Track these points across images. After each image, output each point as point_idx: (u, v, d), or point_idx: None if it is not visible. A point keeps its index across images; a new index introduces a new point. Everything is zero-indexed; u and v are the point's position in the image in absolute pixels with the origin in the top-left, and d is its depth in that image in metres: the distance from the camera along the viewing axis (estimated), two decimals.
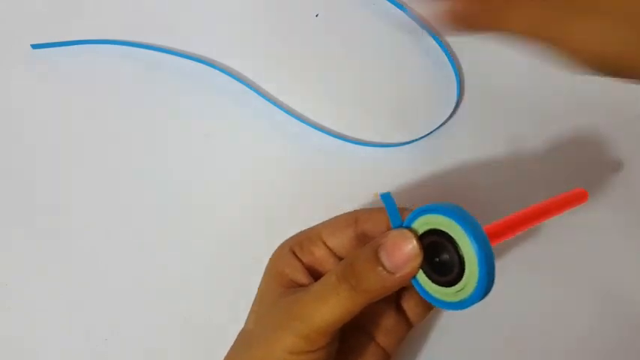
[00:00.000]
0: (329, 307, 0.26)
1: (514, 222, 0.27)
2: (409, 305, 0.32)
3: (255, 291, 0.32)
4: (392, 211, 0.27)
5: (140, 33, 0.42)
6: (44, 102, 0.41)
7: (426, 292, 0.27)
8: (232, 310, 0.33)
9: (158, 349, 0.39)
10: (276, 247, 0.33)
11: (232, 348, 0.31)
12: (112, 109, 0.41)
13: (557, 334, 0.38)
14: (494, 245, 0.25)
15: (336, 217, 0.32)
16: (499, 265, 0.24)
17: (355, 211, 0.32)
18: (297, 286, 0.30)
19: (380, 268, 0.26)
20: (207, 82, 0.41)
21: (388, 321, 0.31)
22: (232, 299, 0.35)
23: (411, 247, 0.25)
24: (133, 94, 0.41)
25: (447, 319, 0.38)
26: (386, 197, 0.27)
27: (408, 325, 0.32)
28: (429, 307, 0.32)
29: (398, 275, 0.26)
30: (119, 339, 0.39)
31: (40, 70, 0.42)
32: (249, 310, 0.32)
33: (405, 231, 0.26)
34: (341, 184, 0.40)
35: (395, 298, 0.32)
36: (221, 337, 0.32)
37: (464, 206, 0.25)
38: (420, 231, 0.26)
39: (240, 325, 0.32)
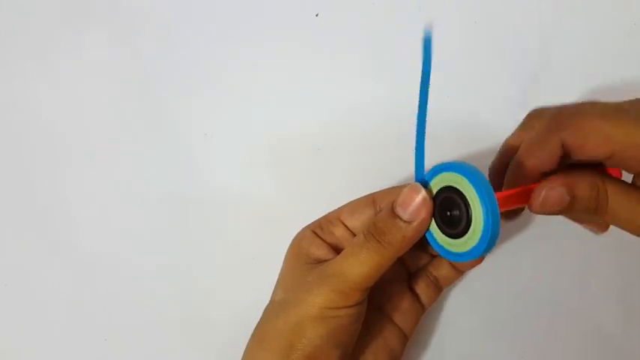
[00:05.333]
0: (361, 262, 0.29)
1: (522, 191, 0.29)
2: (420, 288, 0.34)
3: (257, 288, 0.33)
4: (419, 170, 0.29)
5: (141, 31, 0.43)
6: (43, 100, 0.42)
7: (437, 244, 0.29)
8: (233, 310, 0.34)
9: (158, 349, 0.38)
10: (276, 246, 0.34)
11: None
12: (111, 108, 0.42)
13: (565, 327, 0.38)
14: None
15: (355, 200, 0.34)
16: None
17: (372, 193, 0.34)
18: (323, 262, 0.31)
19: (398, 220, 0.28)
20: (208, 82, 0.42)
21: (404, 303, 0.34)
22: (233, 299, 0.35)
23: (420, 196, 0.28)
24: (133, 93, 0.42)
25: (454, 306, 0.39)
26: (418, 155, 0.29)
27: (422, 307, 0.35)
28: (437, 289, 0.35)
29: (414, 224, 0.28)
30: (119, 339, 0.38)
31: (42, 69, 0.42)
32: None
33: (415, 184, 0.29)
34: None
35: (408, 283, 0.35)
36: (221, 337, 0.32)
37: None
38: (439, 186, 0.28)
39: (241, 326, 0.32)
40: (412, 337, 0.35)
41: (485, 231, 0.26)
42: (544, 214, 0.29)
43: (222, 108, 0.42)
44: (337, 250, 0.33)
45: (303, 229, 0.34)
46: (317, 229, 0.34)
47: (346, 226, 0.33)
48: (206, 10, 0.43)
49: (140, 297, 0.39)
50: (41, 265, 0.39)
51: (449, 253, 0.29)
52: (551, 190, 0.28)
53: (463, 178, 0.27)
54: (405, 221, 0.28)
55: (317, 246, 0.33)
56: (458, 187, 0.27)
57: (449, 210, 0.28)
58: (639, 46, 0.42)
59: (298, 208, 0.36)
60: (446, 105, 0.41)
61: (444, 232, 0.29)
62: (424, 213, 0.28)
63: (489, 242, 0.26)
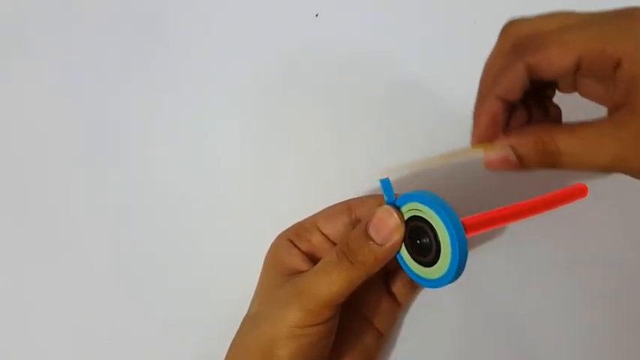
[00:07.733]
0: (332, 280, 0.29)
1: (494, 216, 0.28)
2: (397, 287, 0.35)
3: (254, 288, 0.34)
4: (388, 193, 0.29)
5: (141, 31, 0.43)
6: (45, 100, 0.42)
7: (410, 270, 0.30)
8: (232, 310, 0.34)
9: (158, 349, 0.38)
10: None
11: (239, 331, 0.33)
12: (111, 107, 0.42)
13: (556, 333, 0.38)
14: (472, 235, 0.27)
15: (331, 207, 0.34)
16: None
17: (348, 200, 0.34)
18: (297, 273, 0.32)
19: (371, 242, 0.29)
20: (209, 82, 0.42)
21: (381, 303, 0.35)
22: (232, 299, 0.35)
23: (393, 220, 0.29)
24: (132, 94, 0.42)
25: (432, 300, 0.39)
26: (385, 182, 0.29)
27: (398, 306, 0.36)
28: (414, 288, 0.36)
29: (386, 246, 0.29)
30: (119, 339, 0.39)
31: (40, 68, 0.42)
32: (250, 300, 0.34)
33: (388, 207, 0.29)
34: None
35: (385, 284, 0.35)
36: (221, 337, 0.32)
37: None
38: (409, 214, 0.29)
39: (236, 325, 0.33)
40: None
41: (451, 265, 0.27)
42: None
43: (222, 108, 0.41)
44: (313, 258, 0.33)
45: (279, 237, 0.34)
46: (293, 237, 0.34)
47: (323, 233, 0.34)
48: (206, 12, 0.43)
49: (140, 297, 0.39)
50: (41, 265, 0.39)
51: (418, 277, 0.29)
52: (495, 153, 0.27)
53: (431, 210, 0.27)
54: (377, 243, 0.29)
55: (292, 256, 0.33)
56: (427, 217, 0.27)
57: (418, 238, 0.28)
58: None
59: (296, 210, 0.36)
60: (447, 104, 0.41)
61: (413, 259, 0.29)
62: (396, 237, 0.29)
63: (456, 274, 0.27)
